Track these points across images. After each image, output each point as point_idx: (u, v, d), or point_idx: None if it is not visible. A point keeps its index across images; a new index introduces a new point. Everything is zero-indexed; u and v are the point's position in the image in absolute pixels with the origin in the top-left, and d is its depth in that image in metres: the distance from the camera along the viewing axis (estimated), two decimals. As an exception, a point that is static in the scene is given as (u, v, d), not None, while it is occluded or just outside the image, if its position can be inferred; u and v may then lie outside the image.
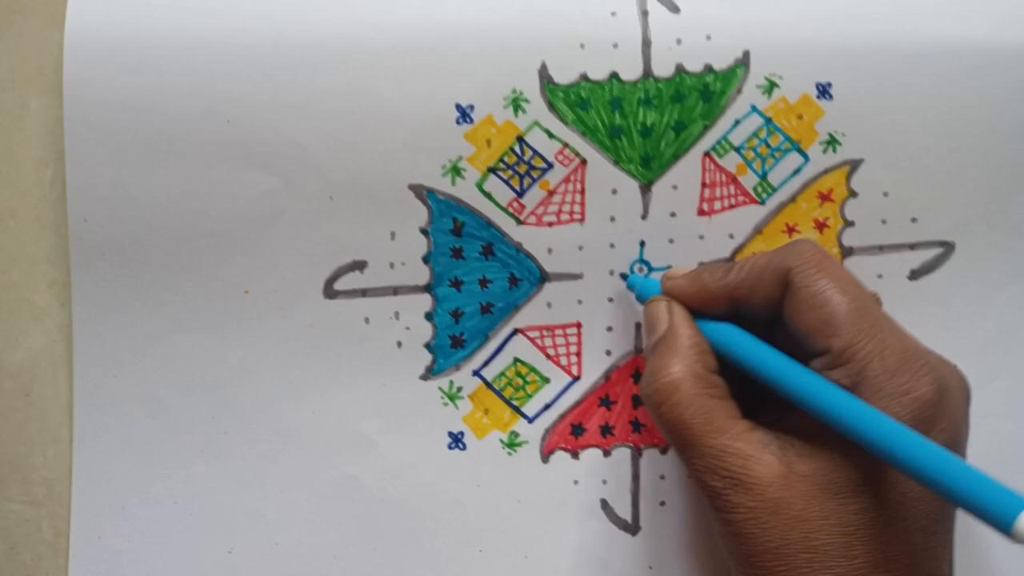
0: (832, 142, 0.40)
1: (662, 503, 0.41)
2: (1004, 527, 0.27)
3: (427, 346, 0.40)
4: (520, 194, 0.39)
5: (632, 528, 0.41)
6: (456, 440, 0.41)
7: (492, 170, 0.39)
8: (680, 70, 0.38)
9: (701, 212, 0.40)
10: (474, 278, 0.40)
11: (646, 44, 0.38)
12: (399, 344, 0.40)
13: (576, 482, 0.41)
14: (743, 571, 0.33)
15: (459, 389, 0.41)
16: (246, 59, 0.36)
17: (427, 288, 0.40)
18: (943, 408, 0.32)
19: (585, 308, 0.40)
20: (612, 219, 0.40)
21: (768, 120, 0.39)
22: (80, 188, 0.37)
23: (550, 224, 0.39)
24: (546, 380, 0.41)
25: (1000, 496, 0.27)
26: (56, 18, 0.37)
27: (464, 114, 0.38)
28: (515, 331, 0.40)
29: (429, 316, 0.40)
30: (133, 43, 0.36)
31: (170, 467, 0.40)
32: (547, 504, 0.41)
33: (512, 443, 0.41)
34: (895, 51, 0.39)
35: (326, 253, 0.39)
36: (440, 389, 0.40)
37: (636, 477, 0.41)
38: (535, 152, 0.39)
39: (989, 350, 0.42)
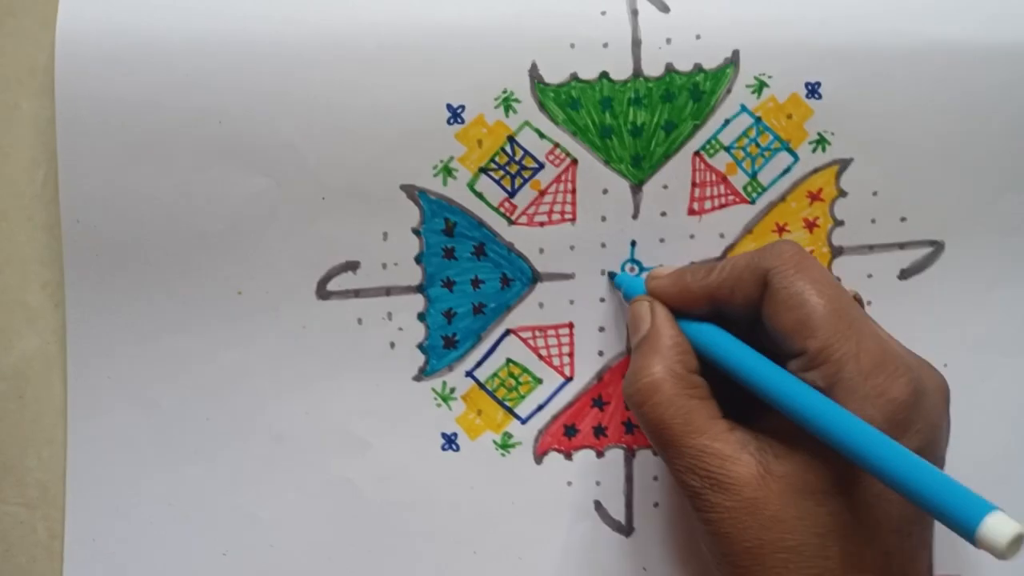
0: (821, 141, 0.40)
1: (656, 504, 0.41)
2: (968, 533, 0.27)
3: (420, 347, 0.40)
4: (511, 194, 0.39)
5: (626, 529, 0.41)
6: (449, 441, 0.41)
7: (483, 170, 0.39)
8: (670, 69, 0.38)
9: (691, 212, 0.40)
10: (466, 278, 0.40)
11: (636, 44, 0.38)
12: (392, 345, 0.40)
13: (569, 483, 0.41)
14: (722, 570, 0.33)
15: (452, 390, 0.41)
16: (238, 60, 0.37)
17: (420, 288, 0.40)
18: (919, 410, 0.32)
19: (577, 308, 0.40)
20: (603, 219, 0.40)
21: (758, 119, 0.39)
22: (73, 189, 0.38)
23: (541, 224, 0.40)
24: (539, 381, 0.41)
25: (965, 501, 0.27)
26: (47, 19, 0.37)
27: (455, 114, 0.38)
28: (507, 332, 0.40)
29: (422, 317, 0.40)
30: (125, 44, 0.36)
31: (164, 469, 0.40)
32: (540, 505, 0.41)
33: (505, 444, 0.41)
34: (884, 51, 0.39)
35: (319, 254, 0.39)
36: (433, 390, 0.41)
37: (629, 478, 0.41)
38: (526, 152, 0.39)
39: (979, 349, 0.42)
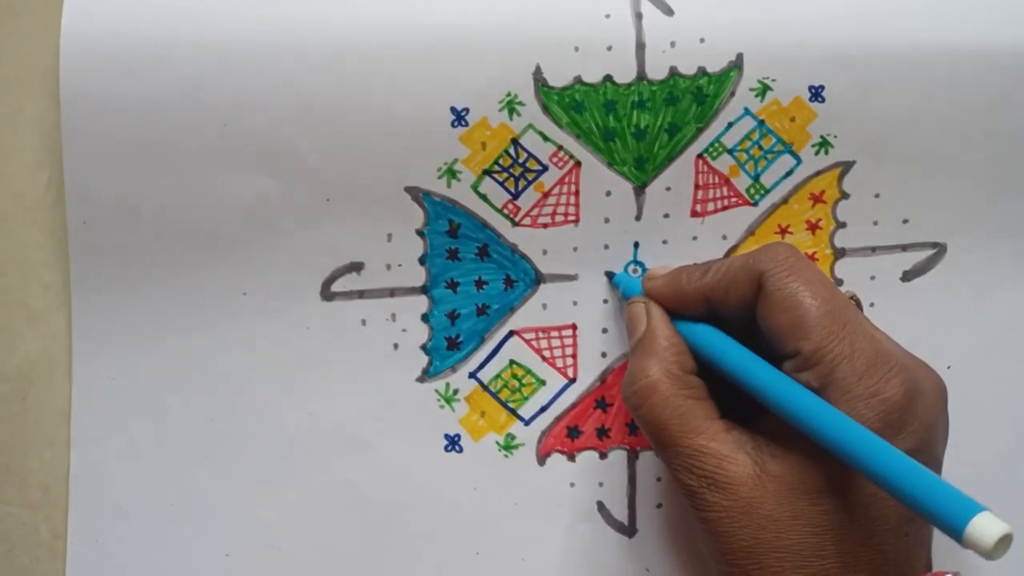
0: (824, 144, 0.40)
1: (659, 505, 0.42)
2: (956, 533, 0.27)
3: (423, 348, 0.40)
4: (515, 196, 0.39)
5: (628, 530, 0.42)
6: (452, 442, 0.41)
7: (487, 172, 0.39)
8: (674, 73, 0.39)
9: (694, 213, 0.40)
10: (470, 279, 0.40)
11: (640, 47, 0.38)
12: (395, 346, 0.40)
13: (572, 484, 0.41)
14: (720, 569, 0.34)
15: (455, 392, 0.41)
16: (243, 62, 0.37)
17: (423, 290, 0.40)
18: (913, 410, 0.32)
19: (580, 309, 0.41)
20: (606, 220, 0.40)
21: (761, 122, 0.39)
22: (79, 191, 0.38)
23: (545, 226, 0.40)
24: (542, 382, 0.41)
25: (954, 502, 0.27)
26: (51, 20, 0.37)
27: (459, 117, 0.38)
28: (511, 333, 0.41)
29: (425, 318, 0.40)
30: (129, 46, 0.36)
31: (167, 470, 0.40)
32: (543, 506, 0.41)
33: (508, 445, 0.41)
34: (887, 54, 0.39)
35: (323, 255, 0.39)
36: (436, 391, 0.41)
37: (632, 479, 0.42)
38: (530, 154, 0.39)
39: (982, 351, 0.42)
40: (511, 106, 0.38)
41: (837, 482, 0.32)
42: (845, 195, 0.41)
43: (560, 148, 0.39)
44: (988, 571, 0.41)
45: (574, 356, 0.41)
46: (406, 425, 0.40)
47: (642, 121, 0.39)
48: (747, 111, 0.39)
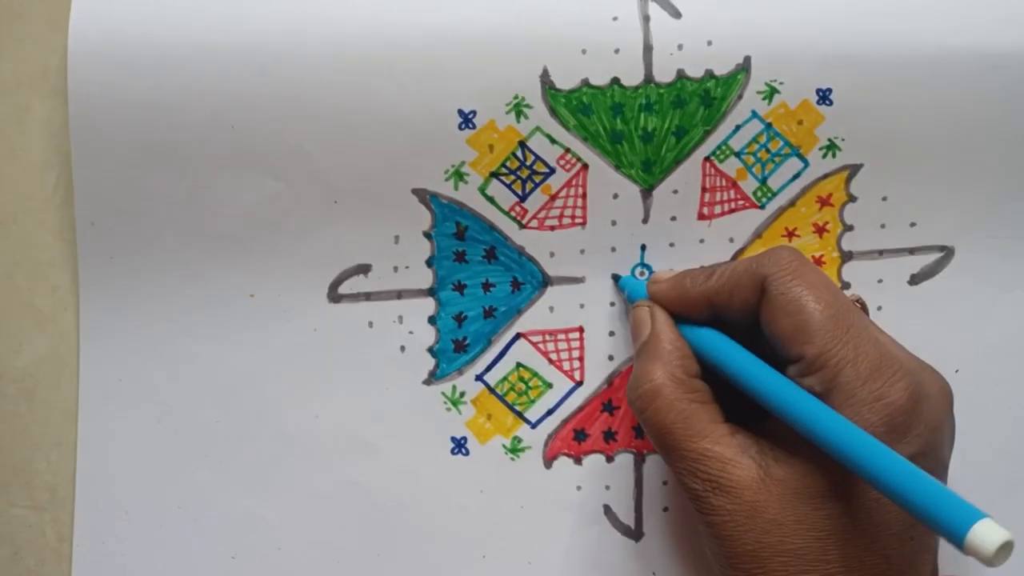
0: (832, 147, 0.40)
1: (665, 509, 0.41)
2: (957, 539, 0.27)
3: (430, 350, 0.40)
4: (522, 198, 0.39)
5: (635, 534, 0.41)
6: (459, 445, 0.41)
7: (494, 175, 0.39)
8: (681, 75, 0.39)
9: (701, 216, 0.40)
10: (477, 282, 0.40)
11: (647, 49, 0.38)
12: (402, 348, 0.40)
13: (579, 488, 0.41)
14: (724, 573, 0.34)
15: (462, 394, 0.41)
16: (250, 64, 0.37)
17: (430, 292, 0.40)
18: (918, 413, 0.32)
19: (587, 312, 0.41)
20: (613, 223, 0.40)
21: (768, 125, 0.39)
22: (87, 192, 0.38)
23: (552, 228, 0.40)
24: (549, 385, 0.41)
25: (955, 508, 0.27)
26: (58, 21, 0.37)
27: (467, 119, 0.38)
28: (518, 335, 0.41)
29: (432, 320, 0.40)
30: (137, 48, 0.36)
31: (174, 471, 0.40)
32: (550, 510, 0.41)
33: (515, 448, 0.41)
34: (894, 57, 0.39)
35: (330, 257, 0.39)
36: (443, 394, 0.41)
37: (639, 483, 0.41)
38: (537, 157, 0.39)
39: (990, 355, 0.42)
40: (518, 109, 0.38)
41: (841, 487, 0.32)
42: (852, 198, 0.41)
43: (567, 151, 0.39)
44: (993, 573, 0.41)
45: (581, 359, 0.41)
46: (412, 427, 0.40)
47: (649, 124, 0.39)
48: (754, 114, 0.39)
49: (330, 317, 0.40)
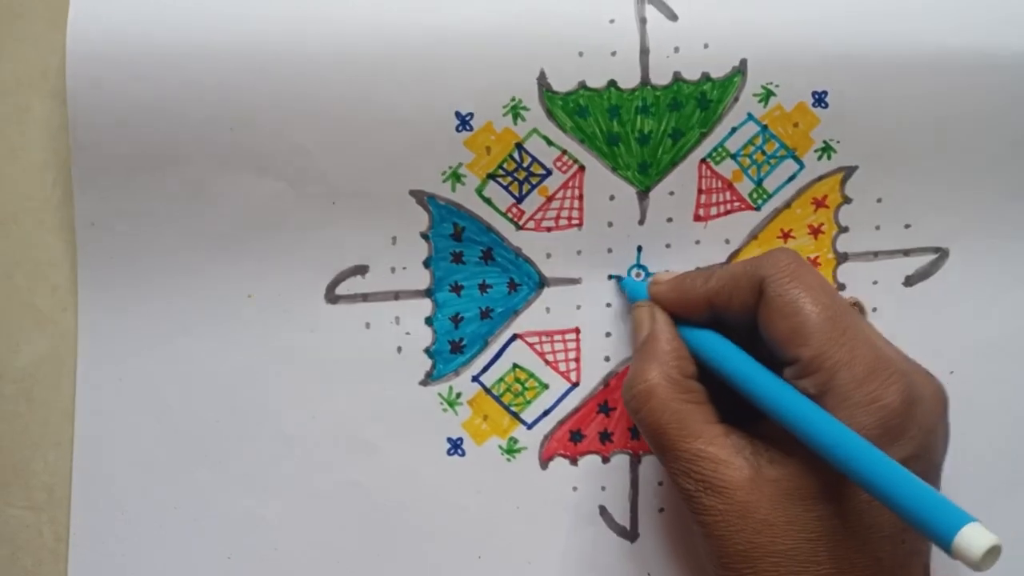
0: (827, 149, 0.40)
1: (661, 510, 0.42)
2: (944, 543, 0.27)
3: (427, 351, 0.40)
4: (519, 200, 0.39)
5: (630, 535, 0.42)
6: (455, 446, 0.41)
7: (492, 176, 0.39)
8: (678, 78, 0.39)
9: (697, 218, 0.40)
10: (474, 283, 0.40)
11: (644, 52, 0.38)
12: (399, 349, 0.40)
13: (575, 488, 0.41)
14: (716, 572, 0.34)
15: (458, 395, 0.41)
16: (250, 65, 0.37)
17: (428, 293, 0.40)
18: (912, 416, 0.32)
19: (584, 313, 0.41)
20: (610, 224, 0.40)
21: (764, 128, 0.40)
22: (87, 192, 0.38)
23: (549, 229, 0.40)
24: (545, 386, 0.41)
25: (943, 512, 0.27)
26: (57, 21, 0.37)
27: (464, 122, 0.38)
28: (514, 336, 0.41)
29: (429, 321, 0.40)
30: (136, 48, 0.36)
31: (172, 471, 0.40)
32: (546, 510, 0.41)
33: (511, 449, 0.41)
34: (890, 60, 0.39)
35: (328, 257, 0.39)
36: (439, 395, 0.41)
37: (635, 484, 0.42)
38: (534, 159, 0.39)
39: (985, 356, 0.42)
40: (515, 111, 0.38)
41: (833, 489, 0.32)
42: (847, 200, 0.41)
43: (564, 152, 0.39)
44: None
45: (577, 360, 0.41)
46: (409, 428, 0.41)
47: (646, 126, 0.39)
48: (750, 116, 0.39)
49: (328, 318, 0.40)
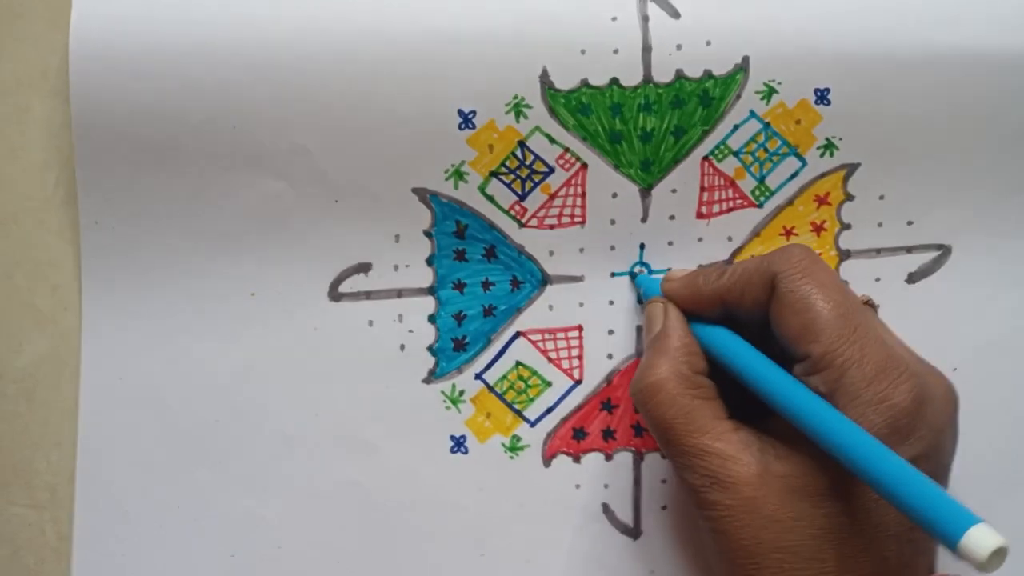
0: (829, 147, 0.40)
1: (664, 507, 0.42)
2: (951, 543, 0.27)
3: (430, 349, 0.40)
4: (522, 197, 0.39)
5: (634, 532, 0.42)
6: (458, 444, 0.41)
7: (494, 174, 0.39)
8: (680, 76, 0.39)
9: (700, 215, 0.40)
10: (477, 280, 0.40)
11: (646, 50, 0.38)
12: (402, 347, 0.40)
13: (578, 486, 0.41)
14: (721, 567, 0.34)
15: (461, 393, 0.41)
16: (252, 64, 0.37)
17: (430, 290, 0.40)
18: (922, 416, 0.32)
19: (586, 311, 0.41)
20: (612, 222, 0.40)
21: (767, 125, 0.40)
22: (90, 191, 0.38)
23: (551, 227, 0.40)
24: (548, 384, 0.41)
25: (950, 512, 0.27)
26: (59, 21, 0.37)
27: (466, 119, 0.38)
28: (517, 334, 0.41)
29: (432, 318, 0.40)
30: (138, 47, 0.36)
31: (173, 471, 0.40)
32: (549, 508, 0.41)
33: (514, 447, 0.41)
34: (892, 57, 0.39)
35: (331, 256, 0.39)
36: (442, 393, 0.41)
37: (638, 481, 0.42)
38: (536, 156, 0.39)
39: (987, 353, 0.42)
40: (518, 109, 0.38)
41: (841, 486, 0.32)
42: (850, 197, 0.41)
43: (567, 150, 0.39)
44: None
45: (580, 357, 0.41)
46: (412, 426, 0.40)
47: (648, 123, 0.39)
48: (753, 114, 0.39)
49: (330, 316, 0.40)
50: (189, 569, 0.40)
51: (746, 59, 0.39)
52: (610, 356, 0.41)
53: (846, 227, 0.41)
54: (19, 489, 0.40)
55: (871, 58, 0.39)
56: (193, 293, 0.39)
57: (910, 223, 0.41)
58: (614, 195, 0.40)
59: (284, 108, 0.37)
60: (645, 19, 0.38)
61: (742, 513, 0.33)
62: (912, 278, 0.42)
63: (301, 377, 0.40)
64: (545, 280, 0.40)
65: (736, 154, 0.40)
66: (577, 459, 0.41)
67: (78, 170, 0.37)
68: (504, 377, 0.41)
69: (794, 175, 0.40)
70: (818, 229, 0.41)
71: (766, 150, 0.40)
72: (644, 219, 0.40)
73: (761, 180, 0.40)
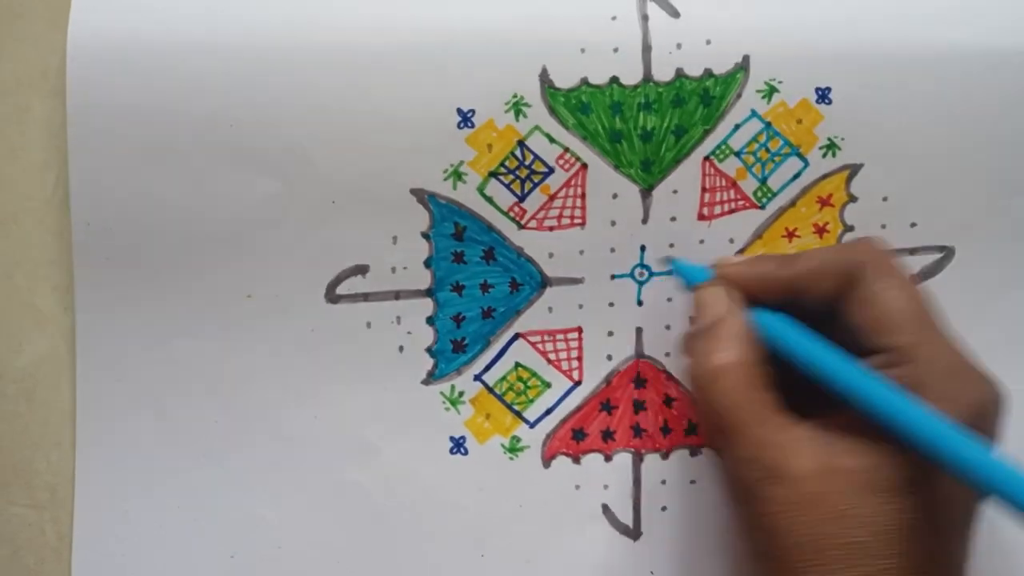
0: (831, 147, 0.40)
1: (663, 508, 0.41)
2: None
3: (429, 351, 0.40)
4: (521, 198, 0.39)
5: (633, 533, 0.41)
6: (458, 445, 0.41)
7: (493, 174, 0.39)
8: (680, 75, 0.38)
9: (701, 216, 0.40)
10: (475, 282, 0.40)
11: (646, 49, 0.38)
12: (400, 349, 0.40)
13: (577, 487, 0.41)
14: (763, 565, 0.33)
15: (461, 394, 0.41)
16: (248, 64, 0.37)
17: (429, 292, 0.40)
18: (985, 419, 0.32)
19: (586, 312, 0.40)
20: (613, 223, 0.40)
21: (768, 125, 0.39)
22: (83, 192, 0.38)
23: (551, 228, 0.40)
24: (547, 385, 0.41)
25: None
26: (58, 21, 0.37)
27: (465, 118, 0.38)
28: (516, 336, 0.41)
29: (431, 320, 0.40)
30: (136, 47, 0.36)
31: (173, 471, 0.40)
32: (548, 509, 0.41)
33: (513, 448, 0.41)
34: (894, 56, 0.39)
35: (328, 257, 0.39)
36: (442, 394, 0.41)
37: (637, 482, 0.41)
38: (536, 156, 0.39)
39: (990, 355, 0.41)
40: (517, 108, 0.38)
41: (914, 482, 0.32)
42: (853, 198, 0.40)
43: (566, 150, 0.39)
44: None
45: (579, 359, 0.41)
46: (411, 427, 0.40)
47: (648, 123, 0.39)
48: (754, 113, 0.39)
49: (328, 318, 0.39)
50: (189, 569, 0.40)
51: (746, 58, 0.38)
52: (609, 357, 0.41)
53: (849, 229, 0.41)
54: (19, 489, 0.40)
55: (873, 57, 0.39)
56: (190, 294, 0.39)
57: (913, 225, 0.41)
58: (614, 196, 0.39)
59: (281, 108, 0.37)
60: (645, 18, 0.38)
61: (801, 508, 0.32)
62: (915, 280, 0.41)
63: (299, 379, 0.40)
64: (544, 282, 0.40)
65: (738, 154, 0.39)
66: (577, 460, 0.41)
67: (71, 171, 0.37)
68: (503, 378, 0.41)
69: (796, 176, 0.40)
70: (821, 231, 0.41)
71: (768, 150, 0.40)
72: (645, 220, 0.40)
73: (763, 181, 0.40)
